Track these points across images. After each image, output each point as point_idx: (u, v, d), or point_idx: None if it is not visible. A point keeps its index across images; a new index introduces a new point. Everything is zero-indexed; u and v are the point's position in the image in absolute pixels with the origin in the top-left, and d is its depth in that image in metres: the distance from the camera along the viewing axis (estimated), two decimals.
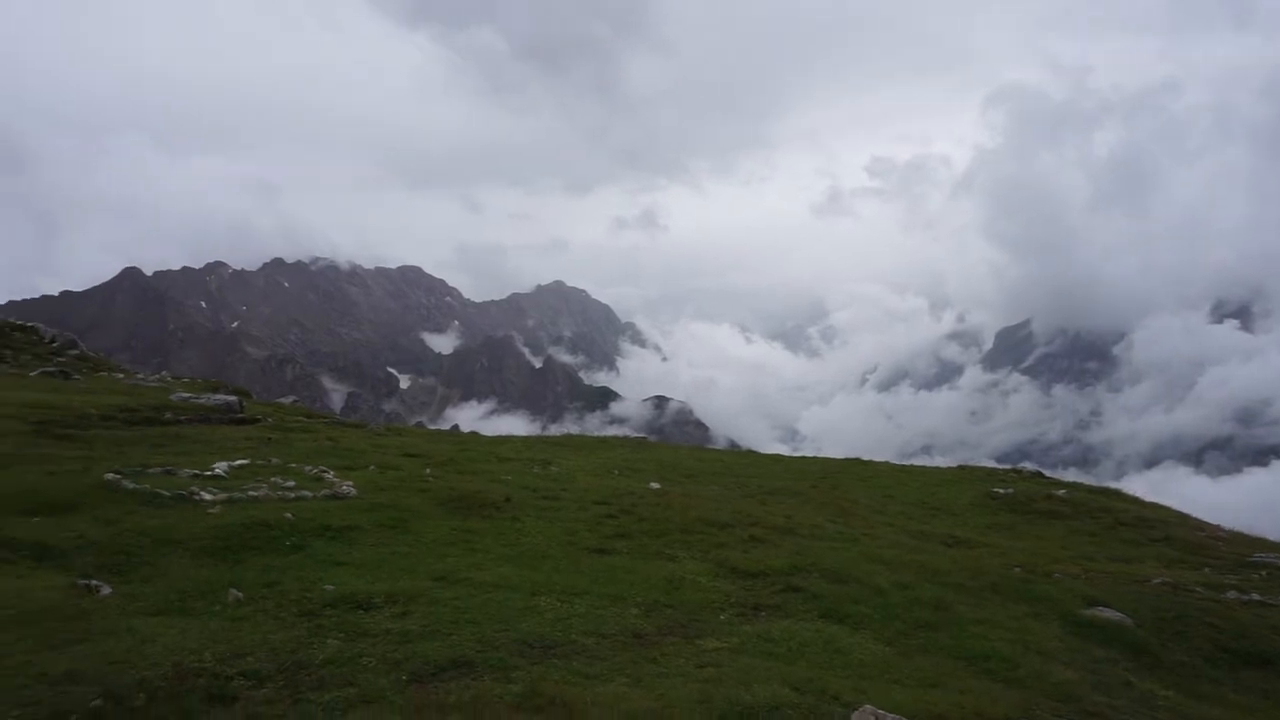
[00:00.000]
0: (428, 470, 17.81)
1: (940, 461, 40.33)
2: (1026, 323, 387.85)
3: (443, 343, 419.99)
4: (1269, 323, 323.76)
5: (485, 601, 9.40)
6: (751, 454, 34.17)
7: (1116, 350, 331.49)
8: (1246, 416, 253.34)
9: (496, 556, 11.85)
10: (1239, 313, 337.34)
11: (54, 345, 41.70)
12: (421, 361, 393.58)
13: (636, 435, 45.39)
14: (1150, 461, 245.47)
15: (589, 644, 8.39)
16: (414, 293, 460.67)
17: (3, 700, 5.82)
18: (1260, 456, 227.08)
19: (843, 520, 17.71)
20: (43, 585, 8.53)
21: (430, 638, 7.96)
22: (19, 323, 46.40)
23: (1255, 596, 13.49)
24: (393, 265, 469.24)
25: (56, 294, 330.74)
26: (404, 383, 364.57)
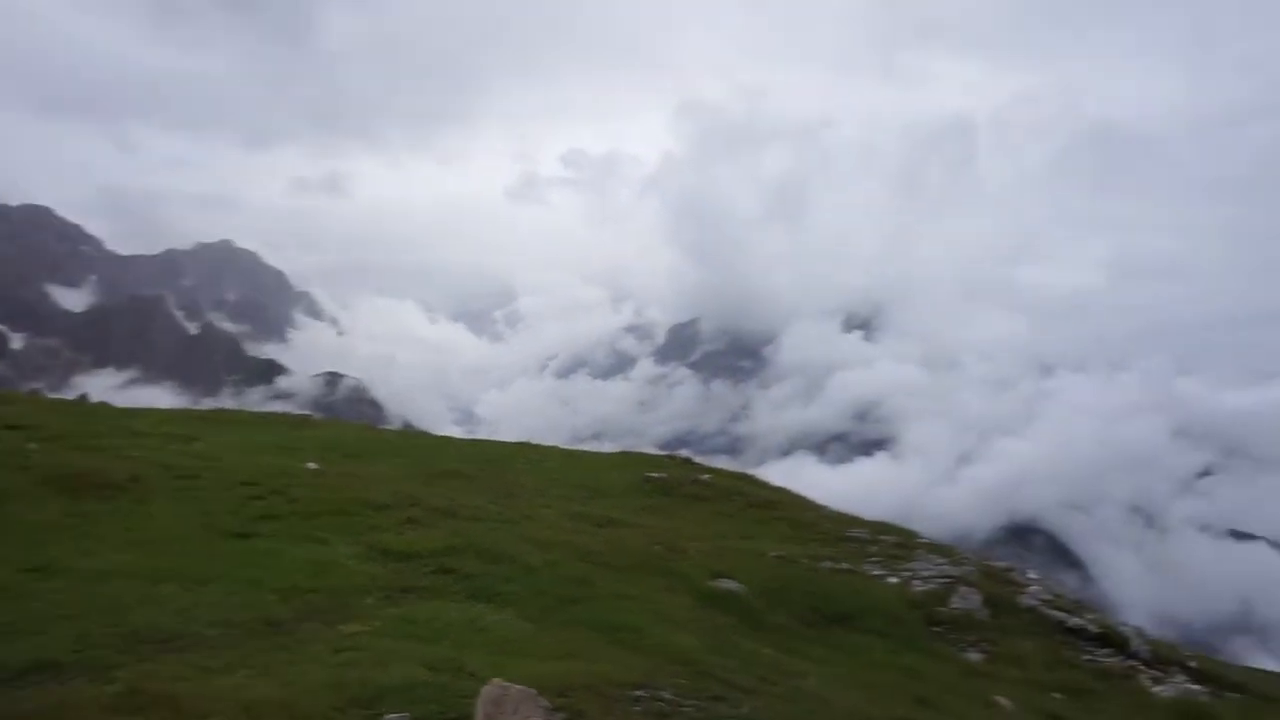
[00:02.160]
0: (32, 445, 15.39)
1: (609, 447, 42.59)
2: (695, 321, 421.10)
3: (74, 298, 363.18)
4: (885, 335, 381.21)
5: (92, 594, 8.37)
6: (423, 435, 33.67)
7: (766, 351, 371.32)
8: (861, 414, 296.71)
9: (115, 543, 10.59)
10: (864, 325, 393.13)
11: None
12: (42, 318, 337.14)
13: (300, 412, 42.72)
14: (785, 451, 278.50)
15: (213, 635, 7.80)
16: (39, 236, 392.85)
17: None
18: (868, 448, 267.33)
19: (506, 502, 18.05)
20: None
21: (10, 639, 6.92)
22: None
23: (845, 565, 15.92)
24: (14, 202, 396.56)
25: None
26: (16, 342, 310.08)
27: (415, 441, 28.89)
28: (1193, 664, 14.66)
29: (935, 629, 14.10)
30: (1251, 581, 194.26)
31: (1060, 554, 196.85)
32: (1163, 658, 14.66)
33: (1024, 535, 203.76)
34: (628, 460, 29.29)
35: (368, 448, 24.38)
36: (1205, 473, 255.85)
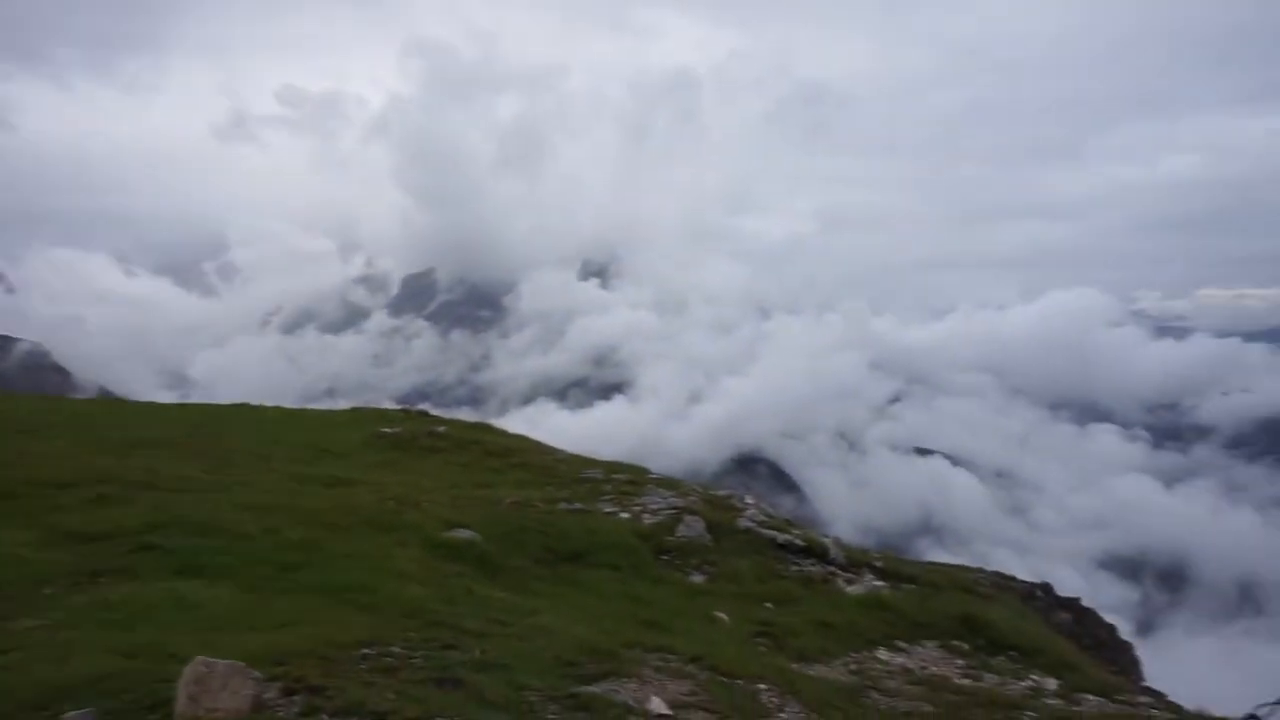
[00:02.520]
0: None
1: (342, 404, 40.59)
2: (431, 271, 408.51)
3: None
4: (621, 282, 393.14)
5: None
6: (119, 402, 30.14)
7: (506, 300, 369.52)
8: (599, 359, 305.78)
9: None
10: (600, 272, 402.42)
11: None
12: None
13: None
14: (527, 399, 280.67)
15: None
16: None
17: None
18: (606, 392, 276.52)
19: (219, 470, 16.67)
20: None
21: None
22: None
23: (579, 506, 16.43)
24: None
25: None
26: None
27: (109, 410, 25.79)
28: (879, 564, 16.78)
29: (664, 557, 14.98)
30: (931, 490, 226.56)
31: (780, 479, 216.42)
32: (855, 561, 16.64)
33: (749, 465, 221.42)
34: (359, 416, 28.14)
35: (46, 420, 21.42)
36: (895, 399, 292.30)
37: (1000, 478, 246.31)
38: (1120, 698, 11.50)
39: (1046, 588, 22.47)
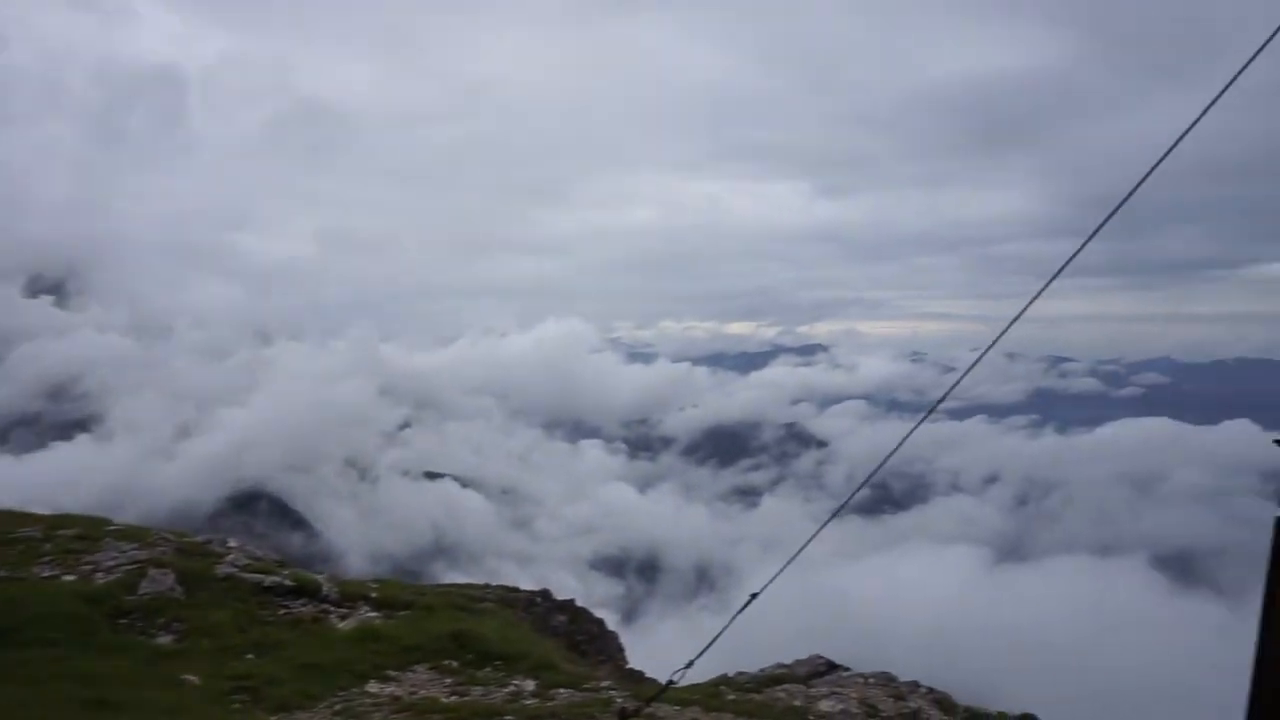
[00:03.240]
0: None
1: None
2: None
3: None
4: (82, 300, 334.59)
5: None
6: None
7: None
8: (56, 392, 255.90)
9: None
10: (54, 289, 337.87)
11: None
12: None
13: None
14: None
15: None
16: None
17: None
18: (67, 431, 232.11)
19: None
20: None
21: None
22: None
23: (4, 573, 13.52)
24: None
25: None
26: None
27: None
28: (374, 595, 16.58)
29: (122, 621, 13.08)
30: (442, 513, 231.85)
31: (286, 515, 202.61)
32: (350, 595, 16.23)
33: (249, 502, 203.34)
34: None
35: None
36: (405, 425, 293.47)
37: (505, 494, 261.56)
38: (586, 686, 12.86)
39: (545, 593, 24.29)
